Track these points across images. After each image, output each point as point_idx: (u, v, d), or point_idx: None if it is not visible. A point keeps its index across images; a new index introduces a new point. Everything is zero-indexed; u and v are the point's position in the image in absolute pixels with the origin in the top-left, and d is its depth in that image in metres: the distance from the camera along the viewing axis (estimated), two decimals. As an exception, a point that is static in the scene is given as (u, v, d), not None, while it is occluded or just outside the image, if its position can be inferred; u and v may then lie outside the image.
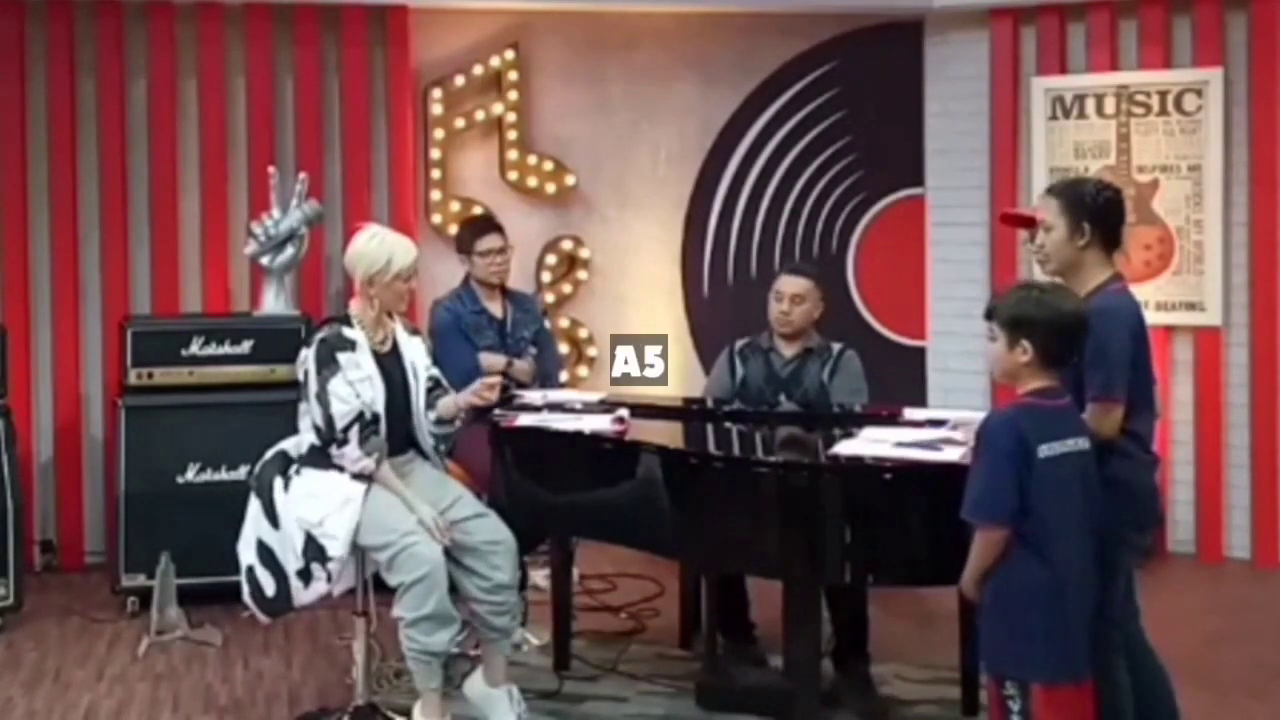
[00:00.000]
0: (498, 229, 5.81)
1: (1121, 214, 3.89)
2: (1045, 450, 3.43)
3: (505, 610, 4.36)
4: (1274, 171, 6.34)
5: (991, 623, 3.53)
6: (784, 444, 4.76)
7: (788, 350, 5.13)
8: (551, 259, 6.85)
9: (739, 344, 5.23)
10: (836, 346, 5.17)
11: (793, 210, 7.12)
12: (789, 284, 5.12)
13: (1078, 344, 3.55)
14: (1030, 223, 3.94)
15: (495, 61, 6.73)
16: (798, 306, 5.08)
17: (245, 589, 4.39)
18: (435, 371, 4.59)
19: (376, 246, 4.39)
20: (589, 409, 4.96)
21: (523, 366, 5.68)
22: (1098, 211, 3.79)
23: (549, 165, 6.82)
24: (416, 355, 4.53)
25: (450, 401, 4.53)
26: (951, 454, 4.04)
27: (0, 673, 5.09)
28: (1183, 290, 6.51)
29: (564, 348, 6.70)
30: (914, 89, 7.08)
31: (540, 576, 5.52)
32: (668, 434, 4.75)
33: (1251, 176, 6.40)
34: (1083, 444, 3.51)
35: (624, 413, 4.67)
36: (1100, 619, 3.58)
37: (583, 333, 6.88)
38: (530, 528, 4.83)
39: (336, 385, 4.27)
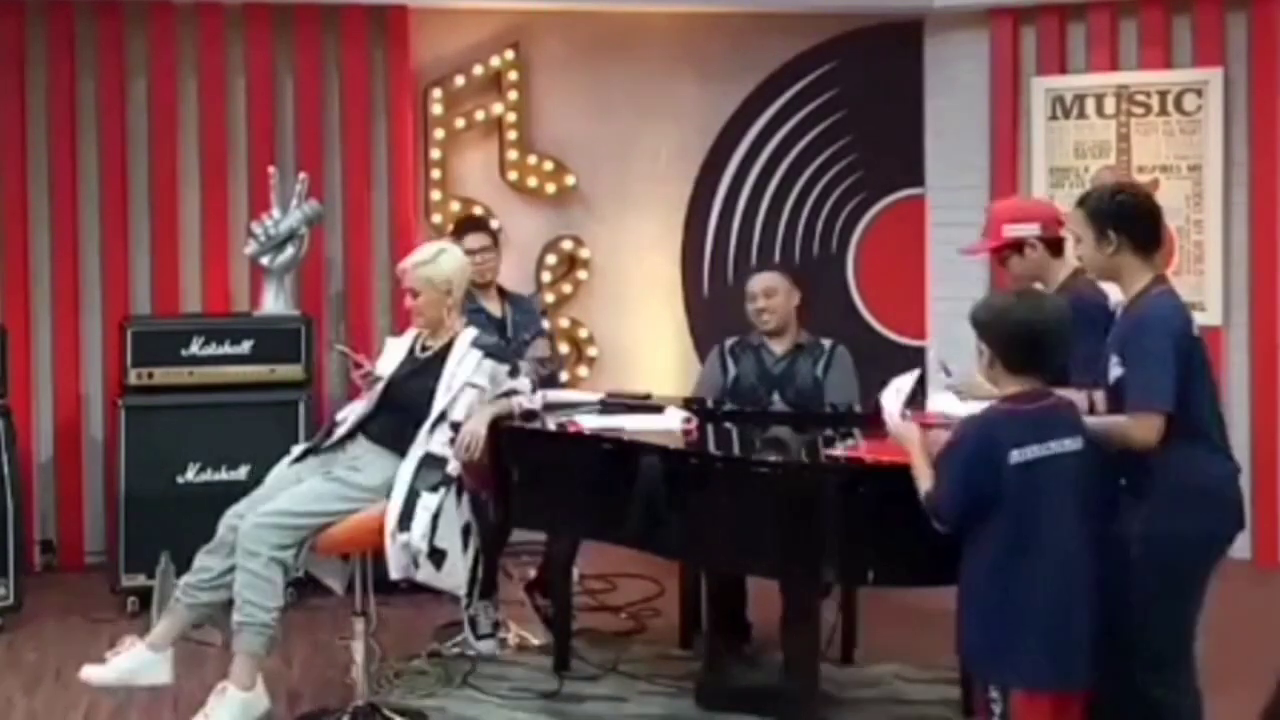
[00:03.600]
0: (483, 228, 5.77)
1: (1147, 215, 3.78)
2: (1017, 455, 3.36)
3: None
4: (1274, 171, 6.34)
5: (968, 625, 3.49)
6: (784, 444, 4.75)
7: (778, 347, 5.17)
8: (551, 259, 6.85)
9: (729, 341, 5.27)
10: (827, 343, 5.21)
11: (793, 210, 7.11)
12: (757, 282, 5.21)
13: (1040, 351, 3.47)
14: (1005, 248, 3.94)
15: (495, 61, 6.73)
16: (771, 300, 5.14)
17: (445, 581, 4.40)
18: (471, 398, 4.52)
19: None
20: (642, 408, 4.93)
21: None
22: (1119, 216, 3.70)
23: (549, 165, 6.82)
24: (466, 372, 4.51)
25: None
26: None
27: (0, 673, 5.10)
28: (1183, 290, 6.33)
29: (564, 348, 6.70)
30: (914, 89, 7.08)
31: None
32: (668, 434, 4.74)
33: (1251, 176, 6.41)
34: (1072, 445, 3.43)
35: (688, 414, 4.71)
36: (1175, 634, 3.56)
37: (583, 333, 6.88)
38: (499, 523, 4.84)
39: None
